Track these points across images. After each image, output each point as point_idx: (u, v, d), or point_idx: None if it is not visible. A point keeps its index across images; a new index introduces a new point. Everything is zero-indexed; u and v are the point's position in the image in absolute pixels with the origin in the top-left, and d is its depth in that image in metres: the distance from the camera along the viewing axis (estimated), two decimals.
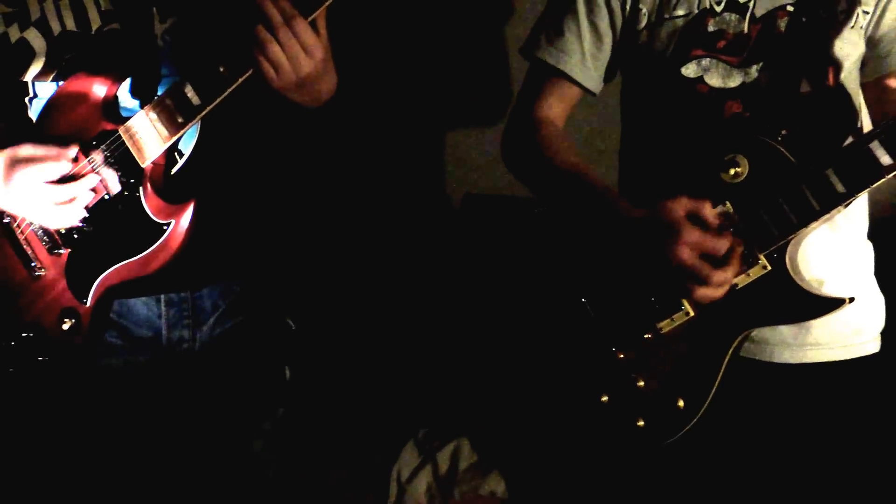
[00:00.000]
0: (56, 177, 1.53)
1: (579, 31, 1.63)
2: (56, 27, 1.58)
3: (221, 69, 1.47)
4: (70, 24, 1.58)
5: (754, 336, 1.55)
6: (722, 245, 1.40)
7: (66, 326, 1.59)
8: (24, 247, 1.62)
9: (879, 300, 1.65)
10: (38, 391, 1.63)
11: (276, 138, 1.74)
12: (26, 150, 1.53)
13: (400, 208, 2.62)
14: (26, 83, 1.62)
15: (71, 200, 1.54)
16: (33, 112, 1.63)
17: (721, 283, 1.41)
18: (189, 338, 1.69)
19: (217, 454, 1.71)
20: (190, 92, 1.48)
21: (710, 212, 1.41)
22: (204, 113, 1.49)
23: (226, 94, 1.48)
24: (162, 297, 1.66)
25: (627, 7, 1.60)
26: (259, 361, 1.74)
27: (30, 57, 1.59)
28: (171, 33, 1.59)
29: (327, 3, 1.44)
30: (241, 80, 1.47)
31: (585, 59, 1.64)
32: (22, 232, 1.63)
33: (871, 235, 1.67)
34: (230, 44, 1.46)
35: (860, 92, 1.58)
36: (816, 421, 1.57)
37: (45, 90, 1.61)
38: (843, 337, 1.58)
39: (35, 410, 1.64)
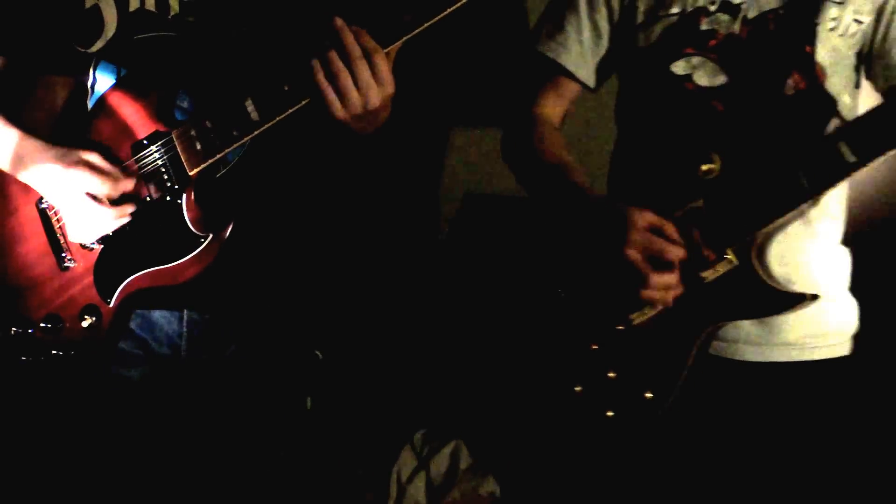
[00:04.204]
0: (101, 195, 1.48)
1: (579, 26, 1.64)
2: (134, 3, 1.53)
3: (286, 87, 1.40)
4: (149, 4, 1.53)
5: (721, 334, 1.53)
6: (669, 251, 1.42)
7: (85, 323, 1.54)
8: (58, 236, 1.57)
9: (851, 304, 1.62)
10: (47, 387, 1.59)
11: (322, 163, 1.69)
12: (92, 157, 1.48)
13: (399, 208, 2.60)
14: (90, 56, 1.56)
15: (103, 220, 1.49)
16: (90, 100, 1.58)
17: (657, 286, 1.42)
18: (208, 360, 1.63)
19: (219, 458, 1.66)
20: (250, 106, 1.42)
21: (671, 229, 1.44)
22: (260, 130, 1.43)
23: (285, 114, 1.41)
24: (185, 316, 1.61)
25: (625, 4, 1.61)
26: (280, 390, 1.69)
27: (99, 28, 1.53)
28: (243, 41, 1.53)
29: (407, 37, 1.38)
30: (303, 102, 1.40)
31: (584, 54, 1.65)
32: (58, 220, 1.58)
33: (852, 241, 1.66)
34: (299, 64, 1.39)
35: (849, 96, 1.56)
36: (783, 420, 1.55)
37: (105, 82, 1.56)
38: (812, 338, 1.56)
39: (41, 408, 1.60)
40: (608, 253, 1.45)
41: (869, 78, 1.58)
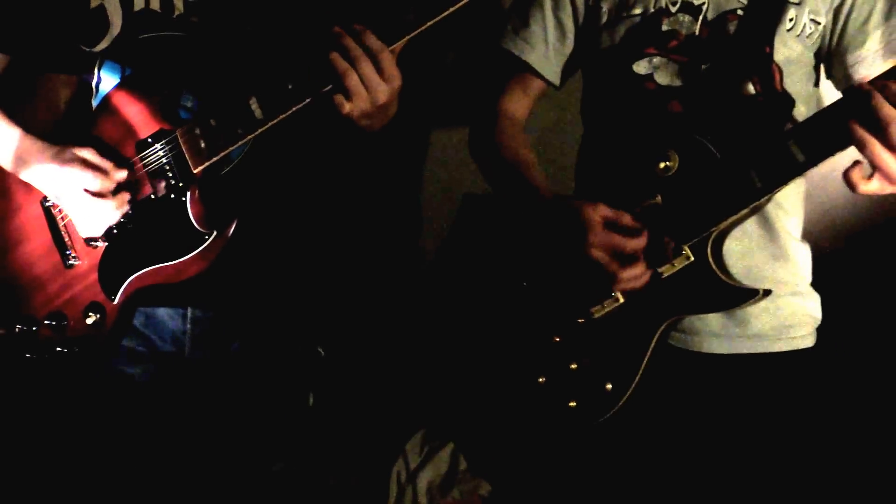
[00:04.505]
0: (96, 190, 1.49)
1: (545, 24, 1.66)
2: (139, 3, 1.53)
3: (289, 86, 1.41)
4: (154, 4, 1.53)
5: (685, 326, 1.57)
6: (630, 245, 1.45)
7: (89, 321, 1.54)
8: (63, 233, 1.57)
9: (814, 297, 1.65)
10: (51, 384, 1.59)
11: (325, 160, 1.69)
12: (87, 153, 1.49)
13: (398, 208, 2.60)
14: (94, 55, 1.57)
15: (105, 212, 1.50)
16: (95, 99, 1.57)
17: (630, 279, 1.46)
18: (212, 357, 1.63)
19: (222, 454, 1.67)
20: (254, 104, 1.43)
21: (627, 219, 1.47)
22: (264, 128, 1.43)
23: (289, 112, 1.41)
24: (189, 313, 1.61)
25: (590, 4, 1.63)
26: (283, 386, 1.69)
27: (104, 27, 1.54)
28: (248, 41, 1.53)
29: (411, 35, 1.38)
30: (308, 101, 1.40)
31: (549, 52, 1.67)
32: (63, 218, 1.58)
33: (813, 237, 1.69)
34: (302, 63, 1.40)
35: (808, 97, 1.59)
36: (749, 411, 1.57)
37: (109, 81, 1.56)
38: (776, 330, 1.58)
39: (45, 405, 1.60)
40: (571, 251, 1.47)
41: (829, 77, 1.60)
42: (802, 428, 1.59)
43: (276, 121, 1.42)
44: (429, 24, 1.36)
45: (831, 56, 1.56)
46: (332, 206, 1.80)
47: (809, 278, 1.65)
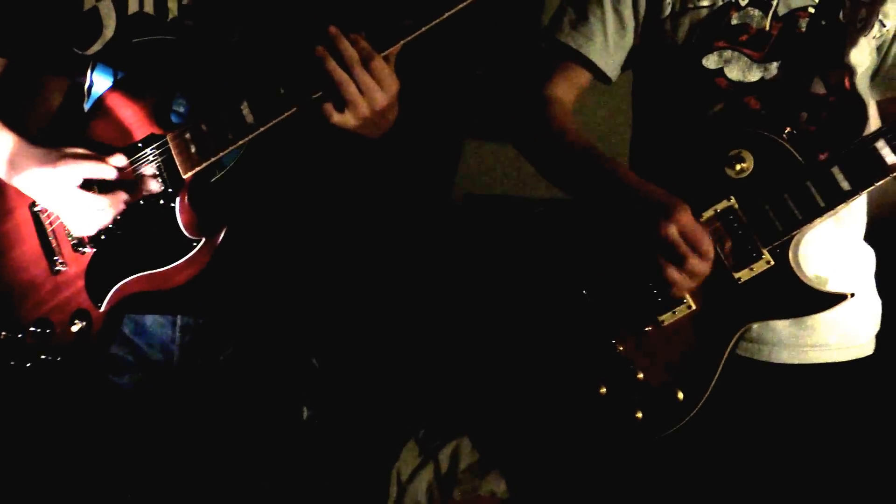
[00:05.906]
0: (92, 179, 1.46)
1: (604, 17, 1.61)
2: (133, 6, 1.52)
3: (281, 91, 1.39)
4: (148, 7, 1.52)
5: (753, 336, 1.53)
6: (705, 240, 1.40)
7: (76, 328, 1.52)
8: (50, 239, 1.56)
9: (876, 303, 1.62)
10: (38, 391, 1.58)
11: (319, 167, 1.66)
12: (74, 150, 1.48)
13: (400, 208, 2.59)
14: (88, 58, 1.55)
15: (99, 210, 1.47)
16: (87, 102, 1.56)
17: (692, 271, 1.40)
18: (202, 366, 1.61)
19: (211, 465, 1.65)
20: (245, 109, 1.41)
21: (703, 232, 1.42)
22: (255, 134, 1.41)
23: (281, 118, 1.40)
24: (178, 321, 1.59)
25: None
26: (276, 400, 1.66)
27: (97, 30, 1.53)
28: (240, 45, 1.51)
29: (405, 41, 1.36)
30: (300, 107, 1.38)
31: (608, 45, 1.62)
32: (51, 223, 1.56)
33: (872, 238, 1.65)
34: (295, 69, 1.38)
35: (870, 98, 1.56)
36: (812, 421, 1.55)
37: (101, 84, 1.54)
38: (841, 338, 1.56)
39: (30, 414, 1.59)
40: (643, 231, 1.42)
41: (871, 79, 1.56)
42: (864, 440, 1.57)
43: (267, 126, 1.40)
44: (424, 28, 1.34)
45: (882, 63, 1.53)
46: (325, 213, 1.77)
47: (874, 283, 1.62)
